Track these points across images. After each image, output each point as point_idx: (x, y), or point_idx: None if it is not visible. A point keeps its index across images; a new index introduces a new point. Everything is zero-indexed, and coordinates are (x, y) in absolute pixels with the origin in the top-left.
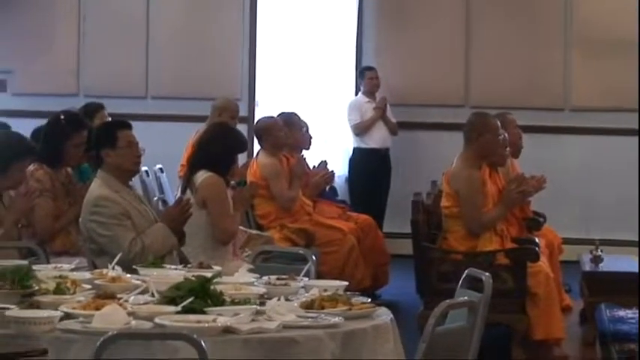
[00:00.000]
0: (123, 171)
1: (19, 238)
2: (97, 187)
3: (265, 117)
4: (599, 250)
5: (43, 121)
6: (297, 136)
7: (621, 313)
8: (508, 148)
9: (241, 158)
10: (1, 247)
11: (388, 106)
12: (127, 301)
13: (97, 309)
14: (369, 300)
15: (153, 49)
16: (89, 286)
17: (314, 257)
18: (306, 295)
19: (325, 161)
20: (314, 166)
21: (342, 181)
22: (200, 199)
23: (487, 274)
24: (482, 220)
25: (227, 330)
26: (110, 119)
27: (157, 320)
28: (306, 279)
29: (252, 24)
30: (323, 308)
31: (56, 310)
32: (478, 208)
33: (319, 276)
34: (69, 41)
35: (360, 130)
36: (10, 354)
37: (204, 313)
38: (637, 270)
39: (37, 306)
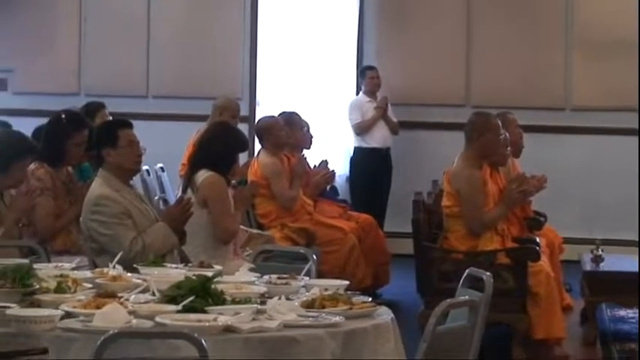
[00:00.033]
0: (124, 170)
1: (19, 237)
2: (98, 186)
3: (266, 116)
4: (599, 250)
5: (44, 120)
6: (298, 135)
7: (622, 312)
8: (509, 148)
9: (242, 157)
10: (1, 246)
11: (389, 105)
12: (127, 300)
13: (98, 308)
14: (370, 299)
15: (154, 49)
16: (90, 285)
17: (315, 256)
18: (307, 294)
19: (326, 161)
20: (315, 166)
21: (342, 181)
22: (201, 198)
23: (488, 273)
24: (483, 220)
25: (228, 329)
26: (111, 118)
27: (157, 319)
28: (307, 278)
29: (253, 23)
30: (324, 307)
31: (57, 308)
32: (479, 207)
33: (320, 275)
34: (70, 40)
35: (361, 129)
36: (11, 353)
37: (204, 312)
38: (638, 270)
39: (38, 305)
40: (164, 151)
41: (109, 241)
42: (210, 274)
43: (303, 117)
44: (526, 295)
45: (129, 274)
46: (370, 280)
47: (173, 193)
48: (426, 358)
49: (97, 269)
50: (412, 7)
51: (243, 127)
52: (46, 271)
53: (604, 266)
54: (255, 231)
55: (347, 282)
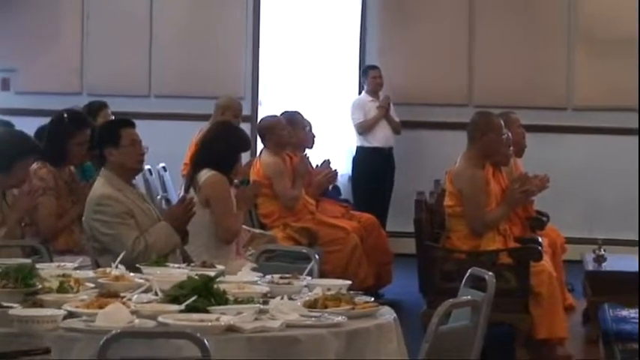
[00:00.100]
0: (126, 169)
1: (22, 237)
2: (100, 185)
3: (268, 116)
4: (602, 250)
5: (46, 120)
6: (301, 135)
7: (624, 312)
8: (511, 148)
9: (244, 157)
10: (4, 246)
11: (391, 105)
12: (130, 299)
13: (101, 307)
14: (372, 299)
15: (156, 48)
16: (92, 285)
17: (317, 256)
18: (310, 294)
19: (328, 160)
20: (317, 165)
21: (345, 180)
22: (203, 197)
23: (490, 273)
24: (485, 220)
25: (230, 329)
26: (113, 118)
27: (160, 319)
28: (309, 278)
29: (255, 22)
30: (326, 307)
31: (59, 308)
32: (481, 207)
33: (322, 275)
34: (72, 40)
35: (364, 129)
36: (14, 353)
37: (207, 311)
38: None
39: (41, 304)
40: (166, 151)
41: (111, 240)
42: (212, 273)
43: (306, 116)
44: (528, 295)
45: (131, 274)
46: (372, 280)
47: (175, 193)
48: (428, 357)
49: (100, 269)
50: (414, 6)
51: (245, 127)
52: (49, 270)
53: (606, 266)
54: (257, 231)
55: (349, 282)
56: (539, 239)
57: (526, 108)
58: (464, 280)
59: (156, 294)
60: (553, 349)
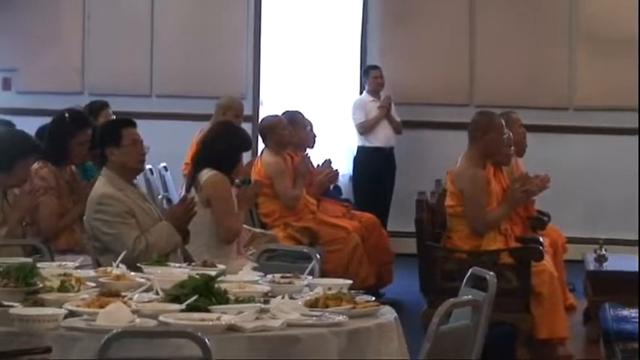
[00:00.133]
0: (127, 169)
1: (23, 236)
2: (102, 185)
3: (270, 115)
4: (603, 250)
5: (47, 120)
6: (302, 134)
7: (625, 312)
8: (512, 147)
9: (245, 157)
10: (5, 245)
11: (393, 104)
12: (131, 299)
13: (102, 307)
14: (373, 298)
15: (157, 48)
16: (93, 284)
17: (318, 256)
18: (311, 293)
19: (329, 160)
20: (318, 165)
21: (346, 180)
22: (204, 197)
23: (491, 273)
24: (486, 219)
25: (231, 328)
26: (114, 117)
27: (161, 318)
28: (310, 277)
29: (256, 23)
30: (327, 307)
31: (60, 307)
32: (482, 207)
33: (323, 274)
34: (73, 39)
35: (365, 128)
36: (15, 352)
37: (208, 311)
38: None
39: (42, 304)
40: (167, 151)
41: (112, 240)
42: (213, 273)
43: (307, 116)
44: (529, 295)
45: (132, 273)
46: (373, 280)
47: (176, 193)
48: (429, 357)
49: (101, 268)
50: (416, 6)
51: (246, 127)
52: (50, 270)
53: (607, 266)
54: (258, 230)
55: (350, 281)
56: (541, 239)
57: (527, 108)
58: (465, 280)
59: (157, 293)
60: (554, 348)
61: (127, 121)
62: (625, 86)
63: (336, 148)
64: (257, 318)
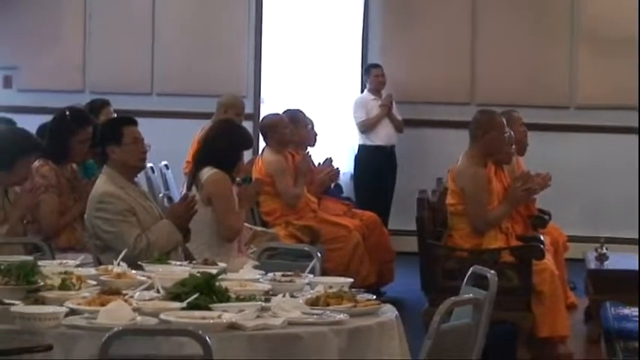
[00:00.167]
0: (128, 167)
1: (24, 234)
2: (103, 183)
3: (271, 114)
4: (604, 248)
5: (48, 118)
6: (303, 133)
7: (626, 311)
8: (514, 146)
9: (247, 155)
10: (6, 243)
11: (394, 103)
12: (132, 297)
13: (103, 305)
14: (374, 297)
15: (158, 46)
16: (94, 282)
17: (319, 254)
18: (312, 291)
19: (330, 158)
20: (319, 163)
21: (347, 179)
22: (205, 195)
23: (492, 271)
24: (487, 218)
25: (232, 326)
26: (115, 115)
27: (162, 316)
28: (311, 276)
29: (257, 21)
30: (328, 305)
31: (61, 306)
32: (483, 205)
33: (324, 273)
34: (75, 37)
35: (366, 127)
36: (16, 349)
37: (209, 309)
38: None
39: (43, 302)
40: (168, 149)
41: (113, 238)
42: (214, 271)
43: (308, 114)
44: (530, 294)
45: (133, 272)
46: (374, 278)
47: (177, 191)
48: (430, 356)
49: (102, 266)
50: (417, 5)
51: (247, 125)
52: (51, 268)
53: (608, 264)
54: (259, 228)
55: (351, 279)
56: (542, 237)
57: (528, 106)
58: (466, 279)
59: (158, 291)
60: (555, 347)
61: (128, 119)
62: (626, 85)
63: (337, 146)
64: (258, 316)
